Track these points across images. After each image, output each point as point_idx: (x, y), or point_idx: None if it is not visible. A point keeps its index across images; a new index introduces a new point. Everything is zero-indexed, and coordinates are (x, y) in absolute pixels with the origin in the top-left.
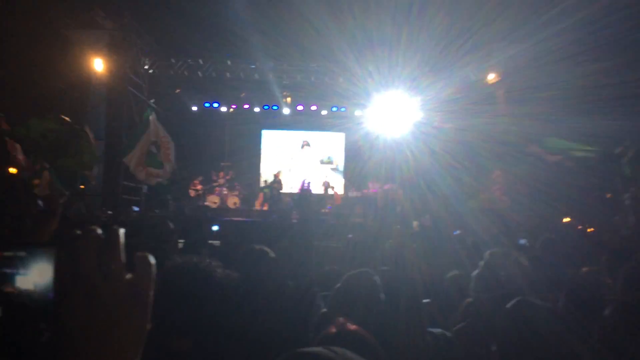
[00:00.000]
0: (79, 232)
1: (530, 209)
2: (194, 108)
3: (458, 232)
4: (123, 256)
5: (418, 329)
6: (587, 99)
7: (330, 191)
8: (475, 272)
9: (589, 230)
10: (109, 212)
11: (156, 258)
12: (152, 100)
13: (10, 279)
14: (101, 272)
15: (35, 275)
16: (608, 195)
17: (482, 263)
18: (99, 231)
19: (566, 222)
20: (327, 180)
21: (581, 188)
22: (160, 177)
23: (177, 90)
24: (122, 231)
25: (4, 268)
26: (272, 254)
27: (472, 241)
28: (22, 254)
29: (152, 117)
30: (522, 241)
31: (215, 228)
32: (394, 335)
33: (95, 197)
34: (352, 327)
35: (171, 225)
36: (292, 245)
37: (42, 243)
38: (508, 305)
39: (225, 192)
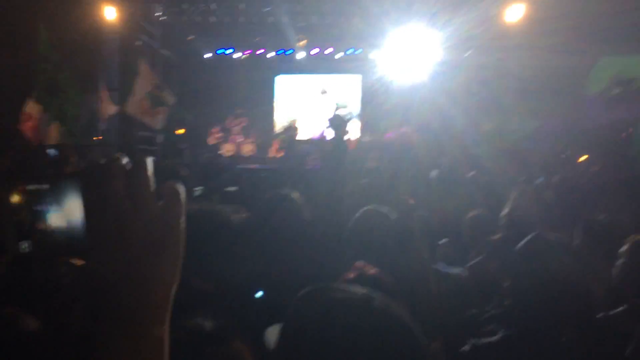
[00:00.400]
0: (103, 161)
1: (549, 147)
2: (208, 55)
3: (473, 173)
4: (152, 184)
5: (432, 270)
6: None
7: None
8: (503, 212)
9: (603, 168)
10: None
11: None
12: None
13: (37, 212)
14: (131, 201)
15: (63, 208)
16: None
17: (509, 203)
18: (125, 160)
19: (583, 161)
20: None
21: (601, 126)
22: (163, 117)
23: (190, 38)
24: (149, 159)
25: (31, 201)
26: (297, 199)
27: (488, 181)
28: (45, 186)
29: (141, 63)
30: (540, 179)
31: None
32: (409, 275)
33: (112, 147)
34: (372, 271)
35: (184, 172)
36: (315, 192)
37: (66, 174)
38: (522, 241)
39: (239, 140)
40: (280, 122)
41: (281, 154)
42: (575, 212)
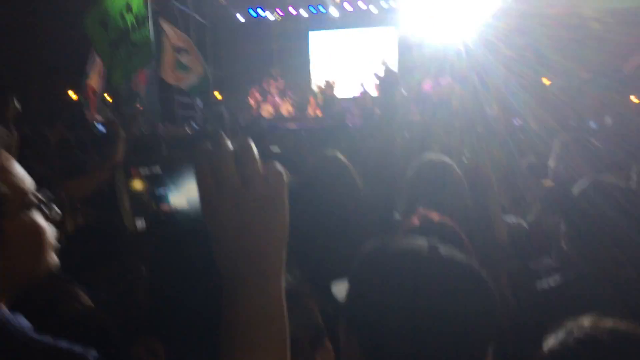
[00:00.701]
0: (210, 145)
1: (597, 91)
2: (241, 18)
3: (517, 120)
4: (260, 166)
5: (495, 218)
6: None
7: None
8: (550, 160)
9: None
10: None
11: None
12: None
13: (161, 197)
14: (242, 182)
15: (181, 192)
16: None
17: (555, 149)
18: (229, 143)
19: (634, 103)
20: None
21: None
22: (189, 81)
23: (222, 1)
24: (250, 140)
25: (153, 186)
26: (343, 160)
27: (535, 128)
28: (157, 170)
29: (163, 23)
30: (592, 124)
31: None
32: (473, 224)
33: (153, 115)
34: (436, 216)
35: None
36: (358, 150)
37: (175, 159)
38: (580, 187)
39: (278, 100)
40: (317, 80)
41: (319, 113)
42: (631, 155)
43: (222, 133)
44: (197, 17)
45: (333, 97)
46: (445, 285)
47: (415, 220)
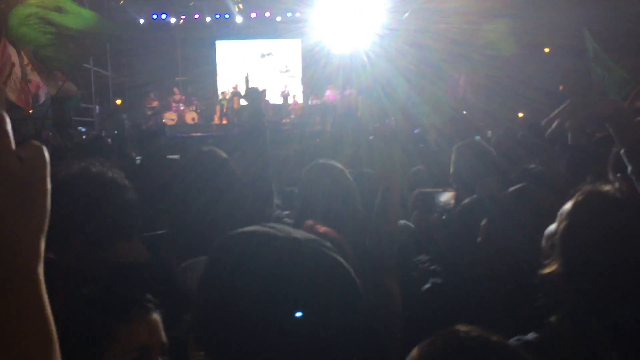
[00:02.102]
0: None
1: (489, 106)
2: (141, 20)
3: (417, 130)
4: (12, 143)
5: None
6: None
7: (289, 100)
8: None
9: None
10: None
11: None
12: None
13: None
14: None
15: None
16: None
17: (452, 156)
18: None
19: (521, 117)
20: (287, 90)
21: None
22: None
23: (121, 2)
24: (4, 114)
25: None
26: (223, 155)
27: (433, 138)
28: None
29: None
30: (489, 133)
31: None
32: (365, 235)
33: (44, 120)
34: (322, 229)
35: (109, 140)
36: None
37: None
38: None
39: (182, 108)
40: (222, 88)
41: (225, 121)
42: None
43: None
44: None
45: (240, 105)
46: (308, 276)
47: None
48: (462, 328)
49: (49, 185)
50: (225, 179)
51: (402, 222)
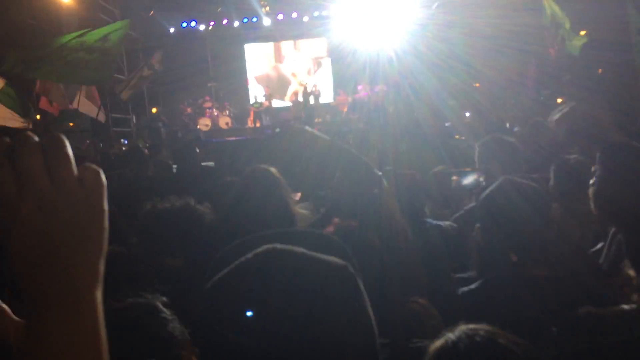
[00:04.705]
0: (8, 139)
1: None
2: (172, 29)
3: (449, 124)
4: (73, 164)
5: (418, 223)
6: None
7: (320, 100)
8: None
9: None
10: (100, 145)
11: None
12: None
13: None
14: (49, 178)
15: None
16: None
17: (476, 152)
18: (36, 138)
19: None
20: (317, 89)
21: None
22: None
23: (151, 13)
24: (63, 137)
25: None
26: (275, 173)
27: (460, 133)
28: None
29: None
30: (515, 128)
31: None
32: (392, 231)
33: (84, 132)
34: (353, 223)
35: (146, 152)
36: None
37: None
38: (491, 186)
39: (215, 114)
40: (254, 90)
41: (258, 124)
42: (548, 156)
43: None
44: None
45: (269, 107)
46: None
47: (331, 228)
48: (472, 326)
49: (106, 207)
50: (279, 202)
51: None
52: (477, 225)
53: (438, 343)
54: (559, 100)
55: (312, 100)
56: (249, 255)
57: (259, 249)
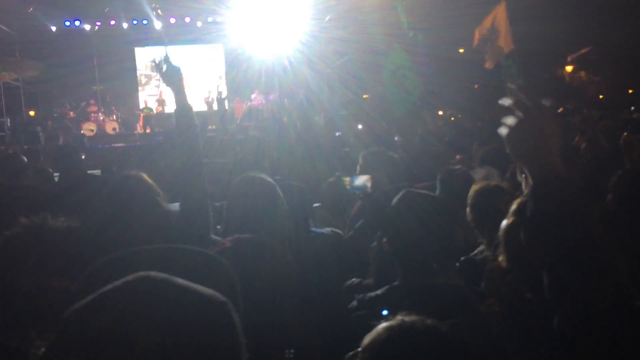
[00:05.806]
0: None
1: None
2: (53, 28)
3: (339, 134)
4: None
5: (305, 231)
6: None
7: (214, 106)
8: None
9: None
10: None
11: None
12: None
13: None
14: None
15: None
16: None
17: (358, 164)
18: None
19: (439, 116)
20: (210, 96)
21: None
22: None
23: (30, 9)
24: None
25: None
26: (147, 180)
27: (350, 143)
28: None
29: None
30: (397, 138)
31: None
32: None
33: None
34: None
35: (24, 159)
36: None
37: None
38: (395, 199)
39: (101, 118)
40: (145, 95)
41: (148, 130)
42: (432, 166)
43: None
44: (1, 27)
45: (164, 113)
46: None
47: (227, 242)
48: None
49: None
50: (151, 210)
51: (327, 230)
52: (379, 235)
53: (369, 336)
54: (440, 113)
55: (227, 105)
56: (118, 283)
57: (131, 277)
